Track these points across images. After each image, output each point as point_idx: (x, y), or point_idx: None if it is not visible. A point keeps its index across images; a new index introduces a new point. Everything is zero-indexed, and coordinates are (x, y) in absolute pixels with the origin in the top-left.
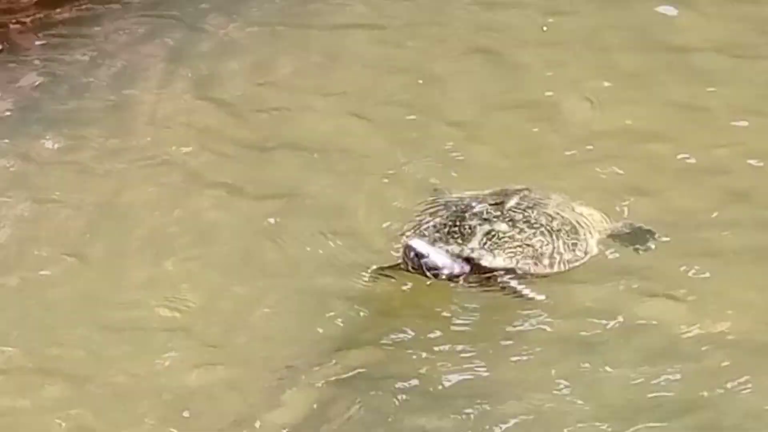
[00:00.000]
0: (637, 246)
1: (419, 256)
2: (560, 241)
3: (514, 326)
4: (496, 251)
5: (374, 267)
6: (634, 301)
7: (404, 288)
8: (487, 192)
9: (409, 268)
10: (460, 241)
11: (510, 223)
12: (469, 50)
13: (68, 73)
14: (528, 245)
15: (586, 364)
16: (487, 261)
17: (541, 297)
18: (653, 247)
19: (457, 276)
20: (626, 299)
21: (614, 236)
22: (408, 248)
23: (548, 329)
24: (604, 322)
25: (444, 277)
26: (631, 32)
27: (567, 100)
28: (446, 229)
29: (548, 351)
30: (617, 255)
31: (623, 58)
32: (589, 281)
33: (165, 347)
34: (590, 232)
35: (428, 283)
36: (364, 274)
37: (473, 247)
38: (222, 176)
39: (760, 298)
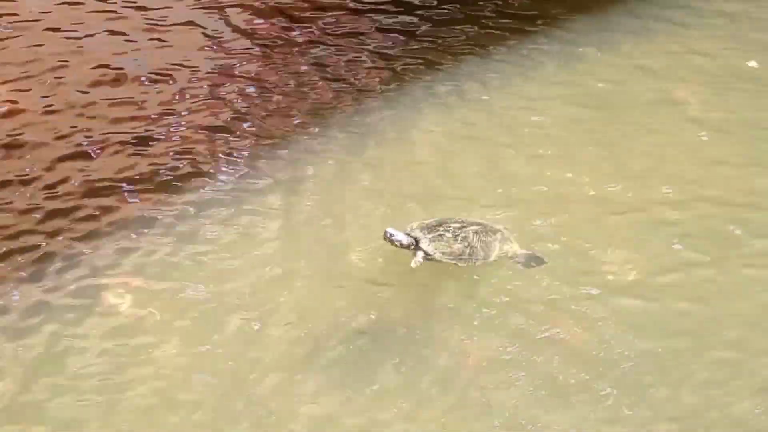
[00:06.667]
0: (531, 265)
1: (392, 236)
2: (468, 250)
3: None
4: (433, 243)
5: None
6: None
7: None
8: (472, 219)
9: (389, 243)
10: (426, 232)
11: (454, 235)
12: None
13: None
14: (451, 246)
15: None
16: (423, 244)
17: (418, 263)
18: (541, 266)
19: (408, 246)
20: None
21: (519, 258)
22: (386, 232)
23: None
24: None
25: (404, 246)
26: None
27: None
28: (430, 226)
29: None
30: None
31: None
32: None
33: None
34: (493, 250)
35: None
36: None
37: (426, 237)
38: None
39: None
